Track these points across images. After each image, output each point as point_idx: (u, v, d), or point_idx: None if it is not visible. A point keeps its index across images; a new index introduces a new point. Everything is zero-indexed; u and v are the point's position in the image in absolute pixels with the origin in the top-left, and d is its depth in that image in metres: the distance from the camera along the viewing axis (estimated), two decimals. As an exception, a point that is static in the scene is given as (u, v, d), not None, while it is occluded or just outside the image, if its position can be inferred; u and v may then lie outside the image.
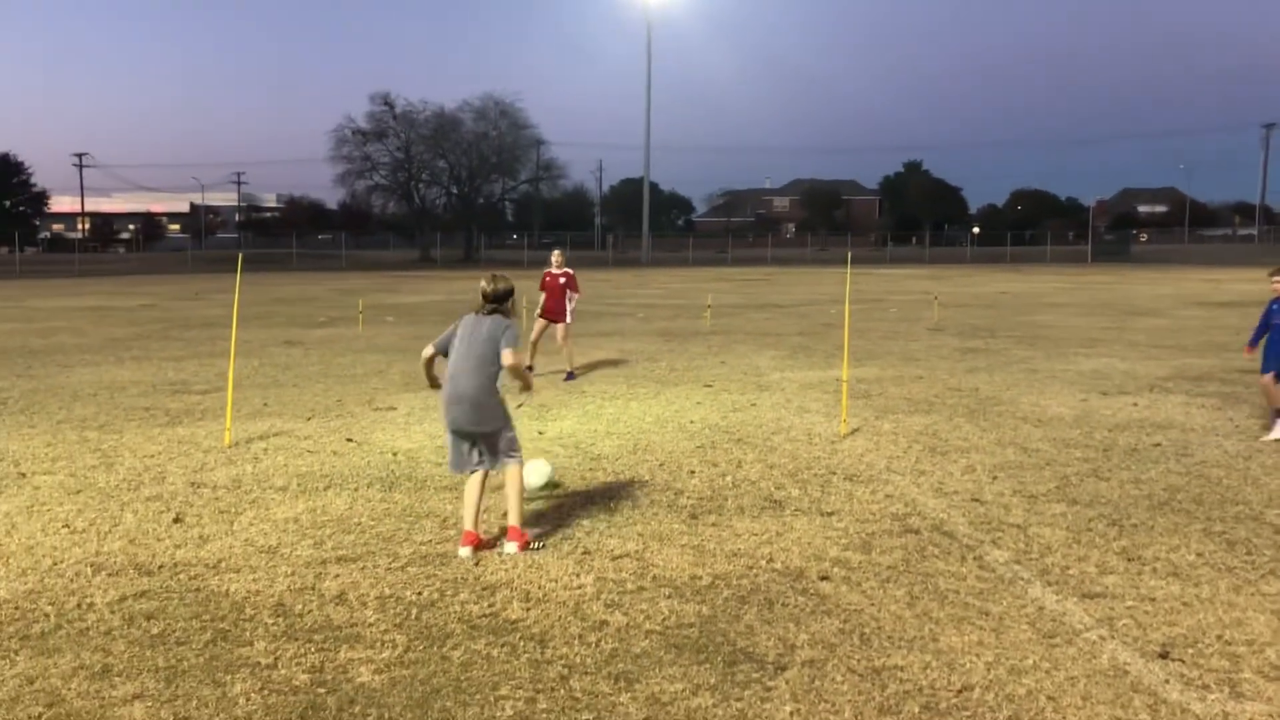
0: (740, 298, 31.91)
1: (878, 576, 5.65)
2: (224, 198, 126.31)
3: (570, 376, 13.06)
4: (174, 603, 5.27)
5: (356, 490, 7.51)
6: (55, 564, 5.88)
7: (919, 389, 12.28)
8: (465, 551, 6.04)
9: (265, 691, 4.28)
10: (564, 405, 10.32)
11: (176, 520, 6.74)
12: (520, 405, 10.29)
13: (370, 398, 11.80)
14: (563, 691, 4.28)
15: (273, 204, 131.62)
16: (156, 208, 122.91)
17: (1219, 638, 4.82)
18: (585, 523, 6.64)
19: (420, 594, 5.38)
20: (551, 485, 7.53)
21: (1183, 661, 4.56)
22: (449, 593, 5.40)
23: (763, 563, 5.87)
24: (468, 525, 6.13)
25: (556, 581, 5.56)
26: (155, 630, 4.91)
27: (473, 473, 6.22)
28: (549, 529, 6.49)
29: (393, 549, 6.13)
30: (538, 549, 6.09)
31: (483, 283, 6.40)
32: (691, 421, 10.18)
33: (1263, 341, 9.44)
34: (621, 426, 9.93)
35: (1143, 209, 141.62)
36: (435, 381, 6.49)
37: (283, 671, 4.47)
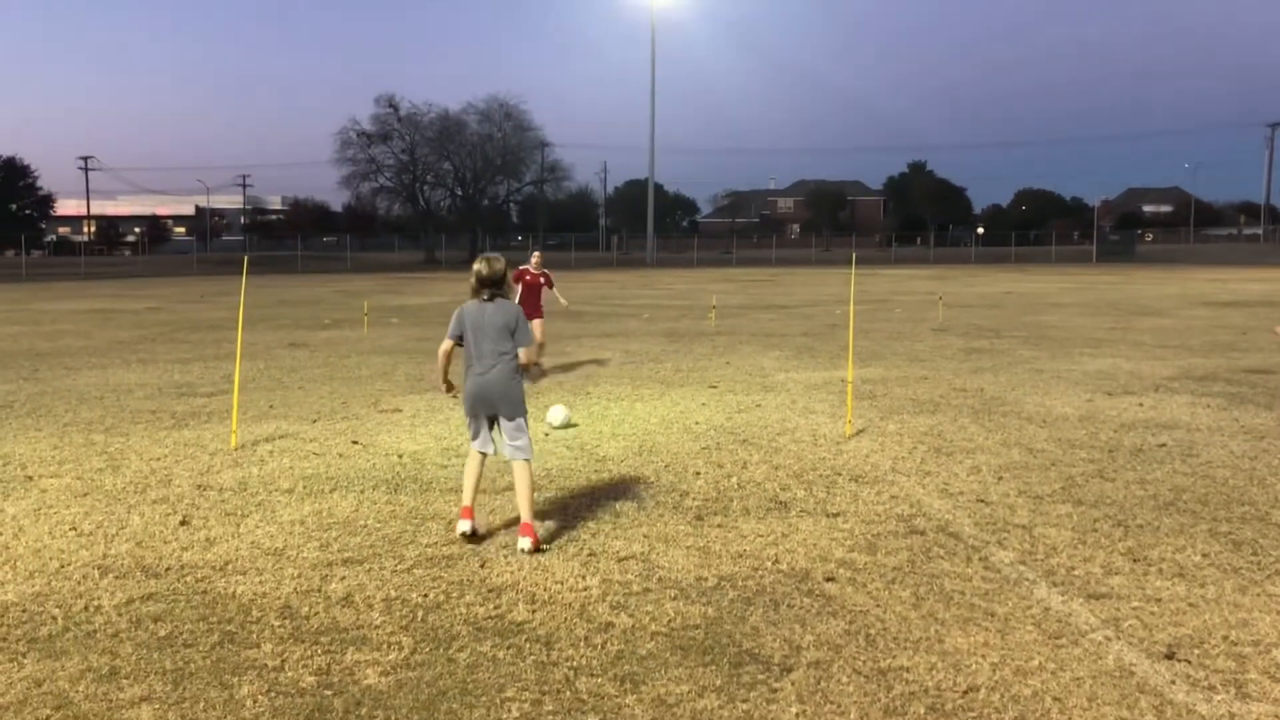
0: (745, 298, 31.90)
1: (883, 577, 5.65)
2: (229, 200, 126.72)
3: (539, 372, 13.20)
4: (181, 605, 5.28)
5: (362, 492, 7.53)
6: (62, 566, 5.89)
7: (924, 389, 12.28)
8: (465, 525, 6.19)
9: (272, 694, 4.29)
10: (569, 406, 10.33)
11: (183, 523, 6.76)
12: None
13: (375, 400, 11.82)
14: (569, 693, 4.28)
15: (278, 206, 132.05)
16: (162, 211, 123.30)
17: (1225, 638, 4.81)
18: (591, 524, 6.65)
19: (426, 596, 5.39)
20: (569, 425, 9.79)
21: (1189, 662, 4.56)
22: (455, 595, 5.41)
23: (768, 564, 5.88)
24: (466, 500, 6.32)
25: (562, 583, 5.56)
26: (162, 632, 4.92)
27: (481, 452, 6.37)
28: (555, 530, 6.50)
29: (399, 551, 6.14)
30: (545, 550, 6.12)
31: (478, 265, 6.34)
32: (696, 423, 10.19)
33: None
34: (627, 428, 9.94)
35: (1148, 209, 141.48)
36: (449, 384, 6.52)
37: (289, 674, 4.48)
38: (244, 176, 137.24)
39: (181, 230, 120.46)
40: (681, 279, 48.11)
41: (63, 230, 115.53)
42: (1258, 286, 35.96)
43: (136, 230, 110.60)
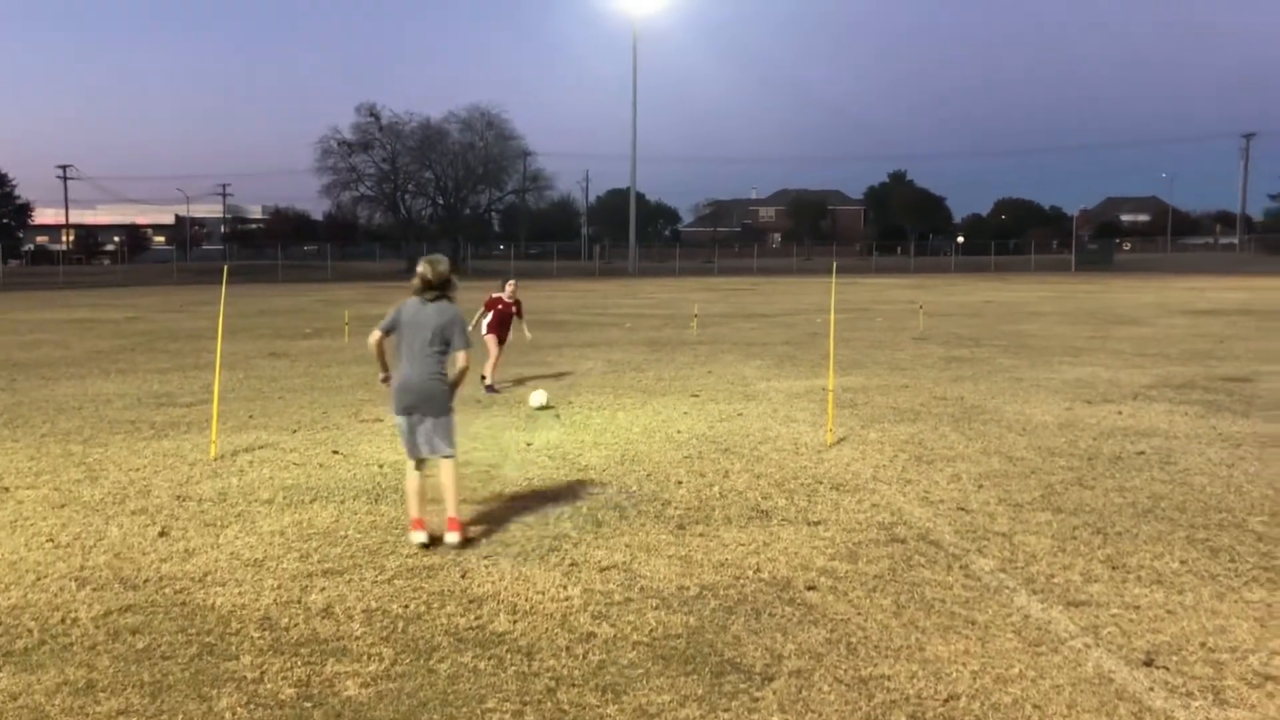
0: (726, 307, 31.97)
1: (864, 586, 5.67)
2: (209, 209, 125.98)
3: (491, 389, 13.00)
4: (159, 617, 5.24)
5: (343, 503, 7.49)
6: (39, 579, 5.84)
7: (905, 398, 12.33)
8: (419, 536, 6.30)
9: (251, 706, 4.26)
10: (551, 416, 10.33)
11: (162, 534, 6.71)
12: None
13: (356, 410, 11.77)
14: (550, 704, 4.27)
15: (258, 215, 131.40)
16: (141, 220, 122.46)
17: (1203, 645, 4.85)
18: (572, 534, 6.64)
19: (407, 607, 5.37)
20: (547, 407, 10.55)
21: (1167, 669, 4.59)
22: (436, 605, 5.39)
23: (750, 573, 5.88)
24: (415, 512, 6.40)
25: (544, 593, 5.55)
26: (140, 645, 4.88)
27: (417, 462, 6.46)
28: (536, 540, 6.49)
29: (379, 561, 6.11)
30: (473, 541, 6.33)
31: (422, 268, 6.36)
32: (678, 432, 10.19)
33: None
34: (609, 437, 9.93)
35: (1126, 218, 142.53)
36: (387, 373, 6.56)
37: (269, 685, 4.45)
38: (224, 185, 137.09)
39: (161, 239, 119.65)
40: (663, 288, 48.18)
41: (40, 239, 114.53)
42: (1234, 295, 36.29)
43: (116, 239, 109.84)
